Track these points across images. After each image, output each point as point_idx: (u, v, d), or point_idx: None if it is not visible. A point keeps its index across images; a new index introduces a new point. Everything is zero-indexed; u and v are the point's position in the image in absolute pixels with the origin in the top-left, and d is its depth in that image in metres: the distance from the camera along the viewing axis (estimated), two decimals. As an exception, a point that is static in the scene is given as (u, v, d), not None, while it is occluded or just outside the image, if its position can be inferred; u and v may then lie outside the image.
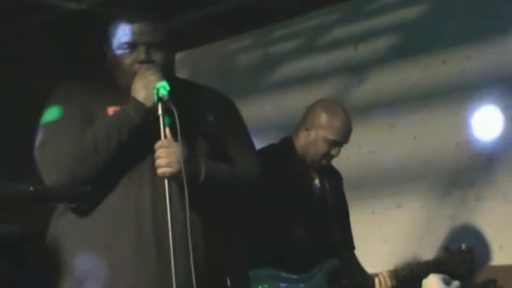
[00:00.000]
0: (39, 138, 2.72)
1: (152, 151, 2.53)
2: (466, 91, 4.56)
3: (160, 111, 2.55)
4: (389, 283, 3.59)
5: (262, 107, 5.32)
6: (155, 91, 2.55)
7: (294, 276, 3.58)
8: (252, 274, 3.51)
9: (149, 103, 2.60)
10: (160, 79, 2.58)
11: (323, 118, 3.58)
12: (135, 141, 2.64)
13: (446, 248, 3.99)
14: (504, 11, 4.43)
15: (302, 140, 3.65)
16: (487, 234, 4.35)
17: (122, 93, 2.68)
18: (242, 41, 5.78)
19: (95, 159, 2.60)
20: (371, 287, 3.60)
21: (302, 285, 3.58)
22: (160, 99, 2.56)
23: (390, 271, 3.61)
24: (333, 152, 3.57)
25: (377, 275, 3.60)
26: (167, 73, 2.65)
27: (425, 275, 3.33)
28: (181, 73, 4.06)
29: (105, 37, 2.81)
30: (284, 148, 3.75)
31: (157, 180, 2.58)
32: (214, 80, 5.49)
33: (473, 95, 4.48)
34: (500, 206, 4.34)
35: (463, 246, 3.87)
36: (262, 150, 3.72)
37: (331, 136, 3.53)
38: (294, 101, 4.91)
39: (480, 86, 4.52)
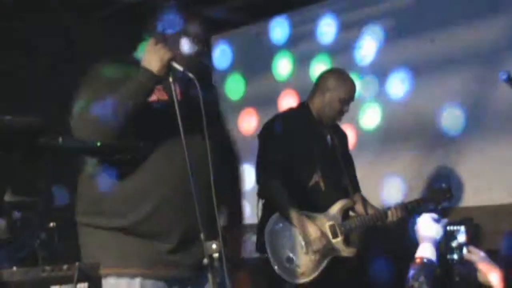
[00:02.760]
0: (77, 103, 3.08)
1: (183, 120, 2.86)
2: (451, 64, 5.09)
3: (171, 79, 2.91)
4: (399, 214, 4.27)
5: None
6: (168, 65, 2.94)
7: (314, 214, 4.17)
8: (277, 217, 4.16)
9: (160, 73, 2.96)
10: (171, 55, 2.95)
11: (335, 82, 4.26)
12: (169, 117, 2.91)
13: (431, 187, 4.79)
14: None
15: (318, 103, 4.27)
16: (465, 180, 4.96)
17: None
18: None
19: (119, 120, 2.95)
20: (381, 219, 4.29)
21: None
22: (174, 72, 2.94)
23: (399, 205, 4.31)
24: (345, 109, 4.25)
25: (389, 208, 4.29)
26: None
27: (417, 209, 4.24)
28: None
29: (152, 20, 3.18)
30: (302, 111, 4.37)
31: (188, 144, 2.87)
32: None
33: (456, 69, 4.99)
34: (476, 158, 4.94)
35: (444, 185, 4.58)
36: (284, 113, 4.52)
37: (343, 95, 4.21)
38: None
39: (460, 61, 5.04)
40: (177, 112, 2.83)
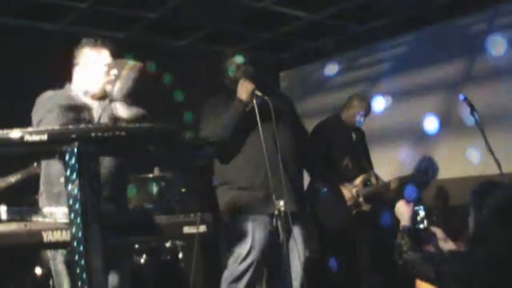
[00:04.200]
0: (204, 120, 3.94)
1: (266, 125, 3.61)
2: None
3: (255, 104, 3.70)
4: (397, 183, 5.31)
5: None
6: (253, 93, 3.73)
7: (346, 184, 5.15)
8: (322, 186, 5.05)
9: (248, 100, 3.77)
10: (254, 87, 3.74)
11: (356, 102, 5.40)
12: (253, 122, 3.66)
13: (417, 168, 6.03)
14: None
15: (345, 115, 5.42)
16: (439, 161, 6.08)
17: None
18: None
19: (227, 131, 3.81)
20: (386, 187, 5.29)
21: (348, 189, 5.12)
22: (256, 97, 3.73)
23: (396, 178, 5.35)
24: (362, 119, 5.37)
25: (390, 180, 5.34)
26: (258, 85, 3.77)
27: (408, 181, 5.42)
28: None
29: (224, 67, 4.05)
30: (337, 119, 5.49)
31: (275, 138, 3.67)
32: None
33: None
34: (446, 147, 6.02)
35: (423, 166, 5.90)
36: (327, 120, 5.52)
37: (361, 111, 5.37)
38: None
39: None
40: (258, 120, 3.63)
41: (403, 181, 5.46)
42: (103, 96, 3.19)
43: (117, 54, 3.25)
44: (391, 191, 5.35)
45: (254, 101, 3.72)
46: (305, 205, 4.19)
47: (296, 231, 3.82)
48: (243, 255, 3.85)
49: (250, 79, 3.83)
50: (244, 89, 3.77)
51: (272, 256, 3.93)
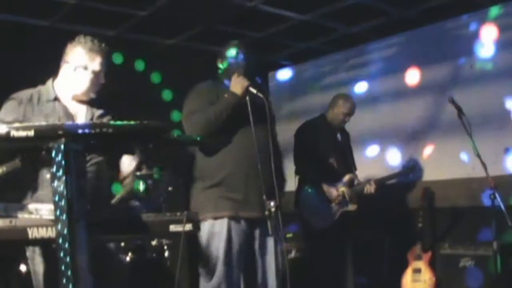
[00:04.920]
0: (186, 110, 3.75)
1: (254, 120, 3.44)
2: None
3: (248, 101, 3.58)
4: (374, 188, 5.29)
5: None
6: (247, 89, 3.63)
7: (333, 183, 5.23)
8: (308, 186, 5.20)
9: (242, 95, 3.64)
10: (249, 83, 3.63)
11: (341, 102, 5.41)
12: (241, 115, 3.52)
13: (404, 166, 6.05)
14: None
15: (330, 115, 5.43)
16: (426, 163, 6.09)
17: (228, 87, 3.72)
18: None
19: (216, 124, 3.64)
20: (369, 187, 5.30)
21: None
22: (250, 94, 3.64)
23: (375, 180, 5.37)
24: (347, 119, 5.37)
25: (368, 180, 5.36)
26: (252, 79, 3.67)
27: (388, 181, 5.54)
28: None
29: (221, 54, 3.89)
30: (322, 119, 5.50)
31: (256, 134, 3.45)
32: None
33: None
34: (433, 147, 6.03)
35: (410, 163, 5.96)
36: (313, 119, 5.55)
37: (346, 111, 5.37)
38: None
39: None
40: (250, 117, 3.51)
41: (383, 181, 5.52)
42: (87, 101, 3.19)
43: (110, 59, 3.24)
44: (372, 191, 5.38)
45: (247, 98, 3.65)
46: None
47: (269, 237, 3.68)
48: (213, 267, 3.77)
49: (245, 75, 3.78)
50: (239, 84, 3.71)
51: (248, 264, 3.86)
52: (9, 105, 3.07)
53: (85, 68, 3.14)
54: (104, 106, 3.34)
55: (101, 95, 3.27)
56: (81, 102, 3.25)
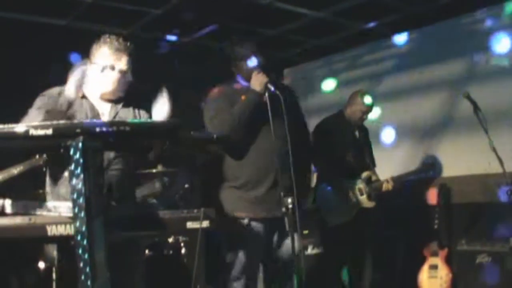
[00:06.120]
0: (208, 115, 3.78)
1: (274, 123, 3.46)
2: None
3: (267, 96, 3.63)
4: (391, 185, 5.25)
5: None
6: (266, 86, 3.65)
7: (350, 180, 5.21)
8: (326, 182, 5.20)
9: (261, 92, 3.68)
10: (267, 79, 3.69)
11: (359, 99, 5.38)
12: (262, 119, 3.54)
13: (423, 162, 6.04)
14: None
15: (348, 111, 5.39)
16: (442, 159, 6.06)
17: (247, 88, 3.76)
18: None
19: (240, 123, 3.68)
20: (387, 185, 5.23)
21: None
22: (268, 90, 3.67)
23: (392, 177, 5.32)
24: (365, 116, 5.35)
25: (388, 178, 5.29)
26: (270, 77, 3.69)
27: (411, 177, 5.51)
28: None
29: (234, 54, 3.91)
30: (340, 116, 5.48)
31: (276, 138, 3.51)
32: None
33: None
34: (450, 143, 6.01)
35: (430, 160, 5.90)
36: (331, 116, 5.52)
37: (364, 108, 5.36)
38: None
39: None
40: (269, 114, 3.53)
41: (402, 180, 5.48)
42: (115, 100, 3.22)
43: (136, 55, 3.23)
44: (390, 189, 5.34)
45: (266, 95, 3.68)
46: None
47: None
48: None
49: (263, 71, 3.80)
50: (258, 81, 3.72)
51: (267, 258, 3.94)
52: (39, 100, 3.10)
53: (112, 68, 3.15)
54: (129, 103, 3.36)
55: (128, 93, 3.30)
56: (108, 100, 3.27)
